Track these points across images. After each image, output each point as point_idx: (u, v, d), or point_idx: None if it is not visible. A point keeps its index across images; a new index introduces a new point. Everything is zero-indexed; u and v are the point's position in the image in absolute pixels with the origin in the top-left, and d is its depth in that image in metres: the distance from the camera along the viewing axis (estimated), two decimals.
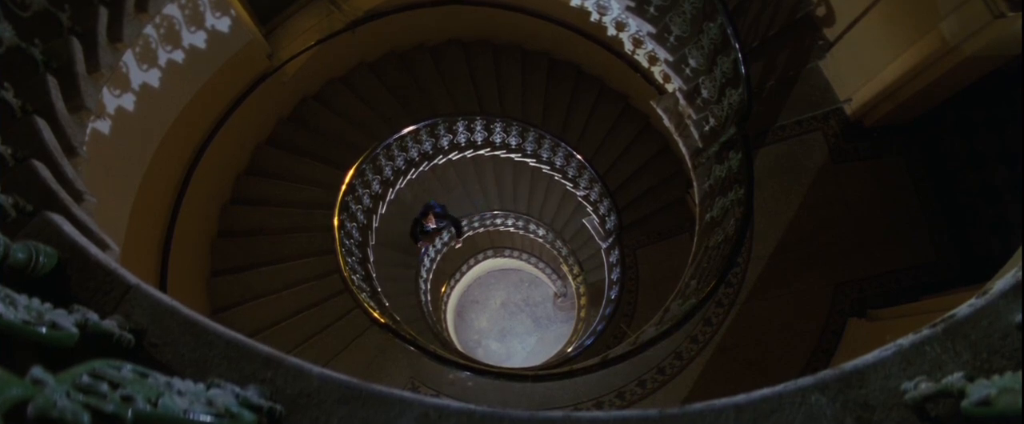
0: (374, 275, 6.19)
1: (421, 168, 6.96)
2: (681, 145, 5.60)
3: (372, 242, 6.43)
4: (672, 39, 5.20)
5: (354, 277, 5.25)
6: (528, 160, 8.07)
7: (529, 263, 12.18)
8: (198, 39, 5.44)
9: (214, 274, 6.17)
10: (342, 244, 5.34)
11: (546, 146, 7.71)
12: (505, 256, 12.07)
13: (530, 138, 7.62)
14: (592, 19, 5.89)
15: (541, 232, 10.30)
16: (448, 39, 7.87)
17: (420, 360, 5.06)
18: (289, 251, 6.22)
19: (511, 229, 10.52)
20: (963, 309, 1.38)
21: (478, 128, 7.16)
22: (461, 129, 7.02)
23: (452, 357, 4.70)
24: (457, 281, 11.88)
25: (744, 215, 4.36)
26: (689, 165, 5.54)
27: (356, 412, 1.26)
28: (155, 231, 5.40)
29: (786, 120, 5.48)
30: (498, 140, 7.57)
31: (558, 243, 10.22)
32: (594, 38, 7.40)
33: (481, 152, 7.67)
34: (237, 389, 1.18)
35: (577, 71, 8.13)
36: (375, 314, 4.59)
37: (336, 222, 5.41)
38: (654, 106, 5.77)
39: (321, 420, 1.26)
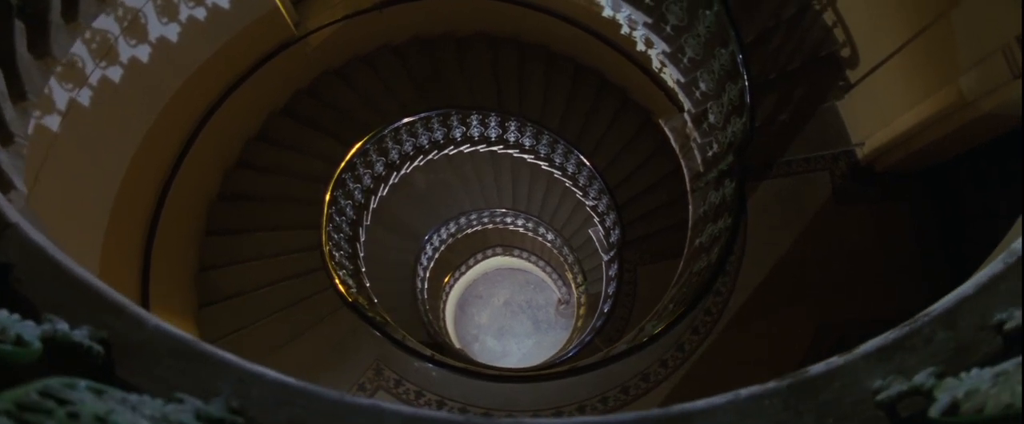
0: (361, 255, 6.24)
1: (430, 156, 6.97)
2: (684, 167, 5.53)
3: (367, 222, 6.47)
4: (685, 60, 5.12)
5: (336, 253, 5.29)
6: (541, 163, 8.06)
7: (537, 266, 12.17)
8: None
9: (208, 233, 6.30)
10: (330, 220, 5.39)
11: (559, 151, 7.67)
12: (514, 255, 12.08)
13: (544, 141, 7.60)
14: (623, 32, 5.82)
15: (550, 236, 10.28)
16: (476, 32, 7.87)
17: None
18: (286, 220, 6.30)
19: (521, 230, 10.53)
20: (818, 366, 1.33)
21: (492, 124, 7.16)
22: (474, 122, 7.02)
23: (417, 347, 4.72)
24: (462, 274, 11.91)
25: (726, 245, 4.28)
26: (688, 188, 5.46)
27: (181, 365, 1.29)
28: (153, 182, 5.52)
29: (794, 156, 5.36)
30: (511, 139, 7.56)
31: (565, 250, 10.18)
32: (621, 49, 7.34)
33: (493, 148, 7.66)
34: (63, 326, 1.20)
35: (601, 79, 8.06)
36: (343, 290, 4.62)
37: (328, 197, 5.46)
38: (662, 124, 5.71)
39: (147, 366, 1.30)
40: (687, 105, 5.35)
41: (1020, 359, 1.05)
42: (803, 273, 5.08)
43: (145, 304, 5.11)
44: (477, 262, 12.05)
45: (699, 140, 5.25)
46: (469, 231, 10.25)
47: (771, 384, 1.27)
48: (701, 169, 5.28)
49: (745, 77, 4.45)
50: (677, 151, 5.54)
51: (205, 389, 1.31)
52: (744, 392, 1.24)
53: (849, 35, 5.29)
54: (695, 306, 4.10)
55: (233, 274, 6.07)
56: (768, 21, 5.52)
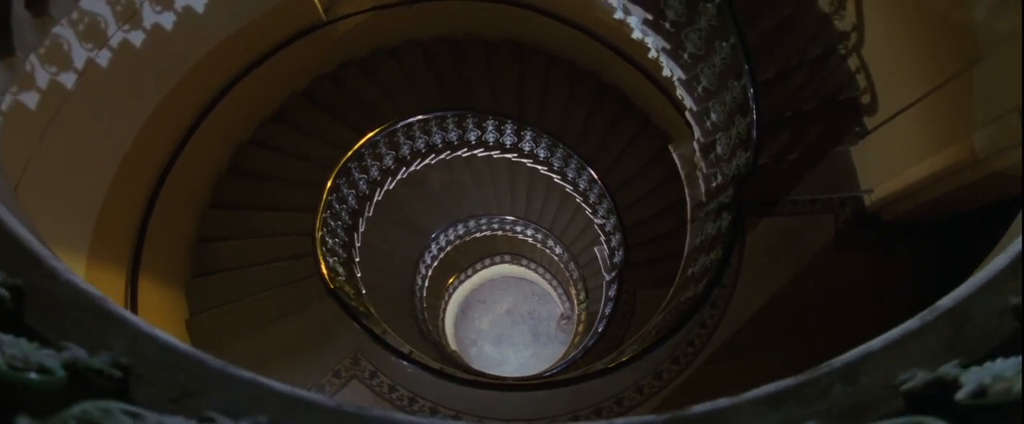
0: (358, 244, 6.27)
1: (442, 155, 6.99)
2: (687, 195, 5.48)
3: (369, 214, 6.50)
4: (699, 89, 5.09)
5: (330, 240, 5.34)
6: (553, 176, 8.06)
7: (543, 278, 12.13)
8: None
9: (212, 206, 6.42)
10: (329, 207, 5.45)
11: (572, 166, 7.66)
12: (521, 265, 12.05)
13: (558, 154, 7.59)
14: (650, 55, 5.80)
15: (558, 250, 10.26)
16: (503, 38, 7.90)
17: None
18: (291, 202, 6.32)
19: (530, 240, 10.52)
20: (702, 406, 1.31)
21: (508, 131, 7.17)
22: (490, 127, 7.03)
23: (395, 342, 4.73)
24: (468, 277, 11.92)
25: (714, 278, 4.24)
26: (689, 217, 5.41)
27: (84, 319, 1.33)
28: (163, 148, 5.59)
29: (801, 196, 5.28)
30: (526, 148, 7.57)
31: (571, 265, 10.16)
32: (646, 72, 7.31)
33: (507, 156, 7.68)
34: None
35: (624, 99, 8.04)
36: (326, 276, 4.64)
37: (329, 184, 5.52)
38: (672, 150, 5.67)
39: (54, 317, 1.34)
40: (697, 133, 5.32)
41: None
42: (795, 314, 4.99)
43: (136, 265, 5.19)
44: (484, 267, 12.05)
45: (705, 170, 5.20)
46: (478, 235, 10.27)
47: (649, 417, 1.25)
48: (703, 199, 5.23)
49: (754, 112, 4.41)
50: (683, 178, 5.50)
51: (101, 343, 1.34)
52: (619, 420, 1.23)
53: (871, 82, 5.21)
54: (670, 337, 4.05)
55: (230, 248, 6.17)
56: (791, 60, 5.46)
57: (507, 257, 11.92)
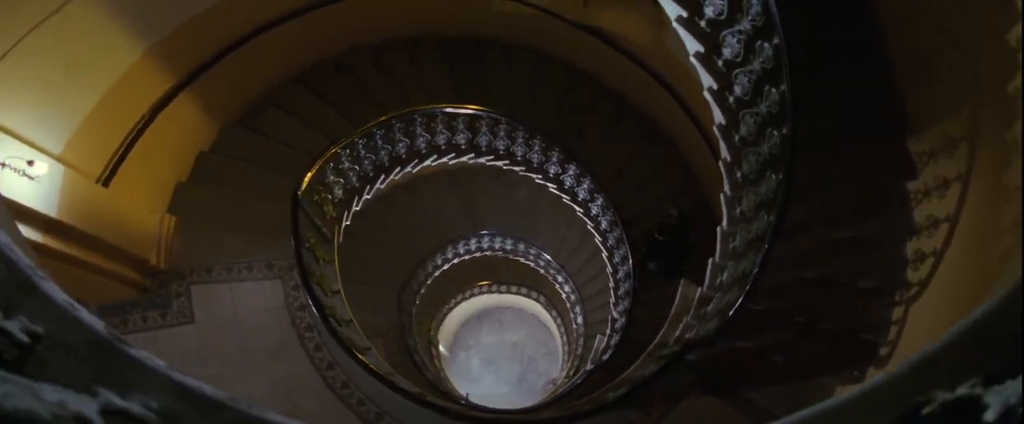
0: (378, 186, 6.14)
1: (482, 159, 6.95)
2: (663, 330, 5.34)
3: (410, 169, 6.46)
4: (731, 247, 4.95)
5: (346, 162, 5.42)
6: (603, 250, 8.00)
7: (562, 340, 11.98)
8: None
9: (296, 81, 6.88)
10: (368, 136, 5.54)
11: (621, 252, 7.55)
12: (552, 315, 11.96)
13: (615, 234, 7.52)
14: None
15: (580, 320, 10.14)
16: (593, 72, 7.95)
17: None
18: (357, 117, 6.49)
19: (564, 296, 10.45)
20: None
21: (554, 159, 7.14)
22: (536, 147, 7.06)
23: (326, 273, 4.84)
24: (502, 292, 11.94)
25: (596, 408, 4.18)
26: (648, 350, 5.28)
27: None
28: (281, 6, 5.98)
29: (760, 399, 4.98)
30: (567, 183, 7.49)
31: (581, 340, 10.00)
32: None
33: (564, 199, 7.65)
34: None
35: (688, 171, 7.83)
36: (305, 183, 4.72)
37: (383, 118, 5.73)
38: (681, 286, 5.53)
39: None
40: (706, 284, 5.17)
41: None
42: None
43: (191, 78, 5.48)
44: (520, 294, 12.02)
45: (689, 318, 5.05)
46: (524, 262, 10.27)
47: None
48: (669, 342, 5.09)
49: (743, 294, 4.26)
50: (670, 315, 5.37)
51: None
52: None
53: (899, 339, 4.80)
54: None
55: (285, 121, 6.58)
56: (843, 276, 5.14)
57: (543, 299, 11.87)
